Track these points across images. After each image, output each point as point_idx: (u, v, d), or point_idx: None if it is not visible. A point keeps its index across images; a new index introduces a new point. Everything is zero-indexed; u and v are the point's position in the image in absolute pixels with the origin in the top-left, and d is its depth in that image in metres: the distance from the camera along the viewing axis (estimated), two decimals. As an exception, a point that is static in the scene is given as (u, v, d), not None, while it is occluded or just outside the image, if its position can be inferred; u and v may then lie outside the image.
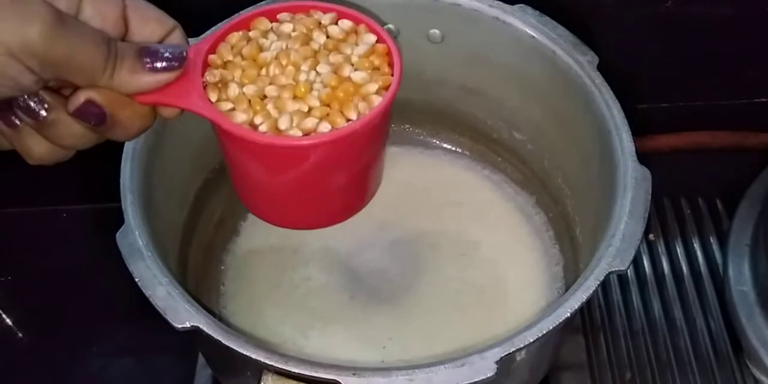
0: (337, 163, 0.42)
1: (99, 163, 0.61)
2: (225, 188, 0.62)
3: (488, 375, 0.40)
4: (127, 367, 0.69)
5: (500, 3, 0.55)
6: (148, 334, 0.68)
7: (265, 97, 0.40)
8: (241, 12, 0.44)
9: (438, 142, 0.68)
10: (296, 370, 0.40)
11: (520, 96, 0.59)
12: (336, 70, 0.40)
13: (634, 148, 0.49)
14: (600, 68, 0.52)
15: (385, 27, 0.58)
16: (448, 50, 0.59)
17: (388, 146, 0.47)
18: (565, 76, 0.53)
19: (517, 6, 0.55)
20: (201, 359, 0.64)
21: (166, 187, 0.52)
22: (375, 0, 0.53)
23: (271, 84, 0.40)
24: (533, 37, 0.54)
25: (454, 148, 0.67)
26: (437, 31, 0.58)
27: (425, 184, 0.66)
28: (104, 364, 0.69)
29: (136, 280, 0.44)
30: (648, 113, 0.74)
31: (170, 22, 0.39)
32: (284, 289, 0.60)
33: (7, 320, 0.72)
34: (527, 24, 0.54)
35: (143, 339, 0.69)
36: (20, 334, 0.71)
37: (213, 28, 0.48)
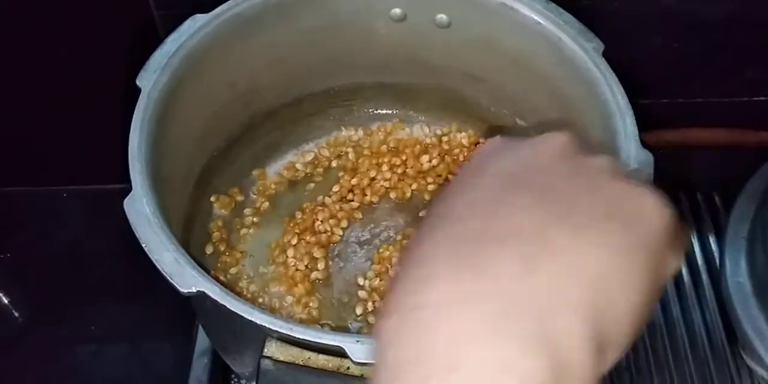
0: None
1: (100, 144, 0.61)
2: (230, 168, 0.62)
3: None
4: (124, 347, 0.69)
5: (507, -11, 0.55)
6: (146, 315, 0.68)
7: None
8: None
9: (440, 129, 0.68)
10: (301, 336, 0.41)
11: (526, 82, 0.59)
12: None
13: (637, 132, 0.50)
14: (602, 59, 0.53)
15: (392, 11, 0.59)
16: (454, 35, 0.59)
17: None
18: (570, 61, 0.54)
19: (523, -9, 0.55)
20: (199, 345, 0.64)
21: (172, 160, 0.52)
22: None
23: None
24: (539, 23, 0.54)
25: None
26: (444, 16, 0.58)
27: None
28: (101, 343, 0.69)
29: (143, 245, 0.44)
30: (648, 109, 0.74)
31: None
32: (290, 273, 0.60)
33: (4, 299, 0.72)
34: (533, 10, 0.54)
35: (141, 319, 0.69)
36: (17, 313, 0.71)
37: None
